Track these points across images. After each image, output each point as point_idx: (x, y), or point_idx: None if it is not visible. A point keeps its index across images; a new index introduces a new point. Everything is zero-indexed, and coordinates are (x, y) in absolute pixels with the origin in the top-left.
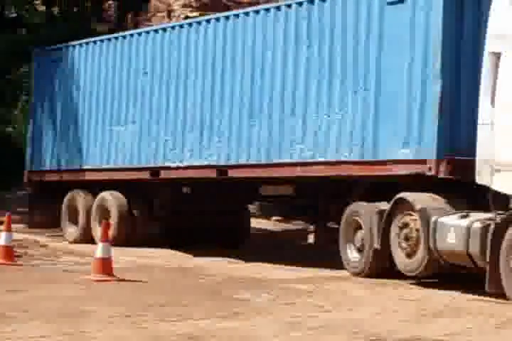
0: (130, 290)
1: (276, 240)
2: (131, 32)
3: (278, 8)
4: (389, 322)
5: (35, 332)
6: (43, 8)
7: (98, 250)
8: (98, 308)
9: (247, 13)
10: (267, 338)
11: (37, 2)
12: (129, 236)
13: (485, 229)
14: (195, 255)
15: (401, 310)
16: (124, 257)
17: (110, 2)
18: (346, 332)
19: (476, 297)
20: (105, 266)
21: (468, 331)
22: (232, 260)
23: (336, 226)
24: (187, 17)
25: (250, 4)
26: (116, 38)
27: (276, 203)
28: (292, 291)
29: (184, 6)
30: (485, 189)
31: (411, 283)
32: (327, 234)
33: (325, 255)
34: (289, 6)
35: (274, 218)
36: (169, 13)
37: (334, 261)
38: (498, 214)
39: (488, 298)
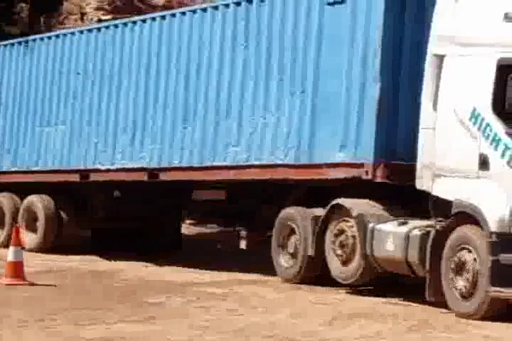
0: (42, 294)
1: (197, 243)
2: (64, 32)
3: (215, 7)
4: (303, 325)
5: None
6: None
7: (9, 254)
8: (10, 312)
9: (183, 13)
10: None
11: None
12: (56, 240)
13: (424, 236)
14: (113, 258)
15: (316, 313)
16: (39, 261)
17: (22, 5)
18: (260, 336)
19: (390, 301)
20: (16, 269)
21: (381, 333)
22: (148, 264)
23: (268, 232)
24: (100, 20)
25: (165, 8)
26: (49, 38)
27: (209, 208)
28: (206, 295)
29: (97, 8)
30: (424, 195)
31: (334, 288)
32: (259, 240)
33: (255, 260)
34: (226, 5)
35: (188, 221)
36: (82, 15)
37: (260, 266)
38: (438, 221)
39: (402, 302)
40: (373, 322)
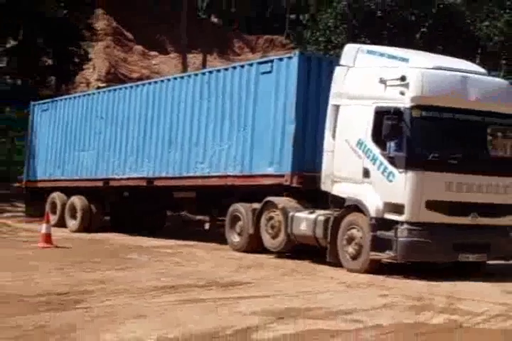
0: (62, 253)
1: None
2: (92, 91)
3: (189, 76)
4: (220, 272)
5: (2, 277)
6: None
7: (42, 229)
8: (42, 264)
9: (168, 79)
10: (146, 282)
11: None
12: (88, 225)
13: (327, 220)
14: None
15: (227, 264)
16: (62, 233)
17: (51, 77)
18: (195, 278)
19: (273, 256)
20: (47, 238)
21: (267, 277)
22: (125, 234)
23: (223, 218)
24: (99, 87)
25: (139, 79)
26: (83, 95)
27: (184, 203)
28: (161, 253)
29: (97, 79)
30: (325, 194)
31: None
32: (217, 223)
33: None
34: (196, 74)
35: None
36: (88, 84)
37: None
38: (335, 210)
39: (280, 258)
40: (262, 270)
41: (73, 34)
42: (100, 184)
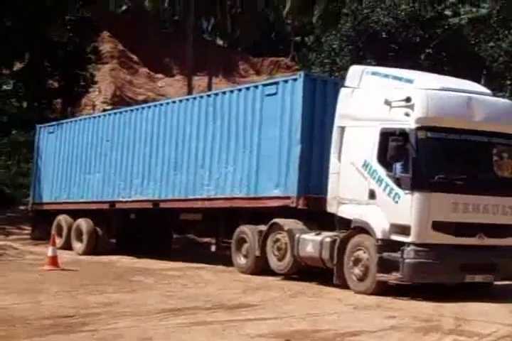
0: (69, 275)
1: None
2: (98, 114)
3: (194, 98)
4: (226, 294)
5: (9, 300)
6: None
7: (49, 251)
8: (48, 287)
9: (174, 101)
10: (152, 304)
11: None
12: (95, 247)
13: (333, 242)
14: (114, 254)
15: (234, 286)
16: (68, 255)
17: (57, 100)
18: (202, 300)
19: (280, 278)
20: (53, 261)
21: (274, 298)
22: (131, 257)
23: (230, 240)
24: (104, 110)
25: (144, 101)
26: (89, 118)
27: (191, 225)
28: (168, 275)
29: (103, 102)
30: (331, 216)
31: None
32: (223, 245)
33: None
34: (201, 96)
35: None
36: (93, 106)
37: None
38: (342, 232)
39: (287, 280)
40: (270, 292)
41: (79, 57)
42: (106, 206)
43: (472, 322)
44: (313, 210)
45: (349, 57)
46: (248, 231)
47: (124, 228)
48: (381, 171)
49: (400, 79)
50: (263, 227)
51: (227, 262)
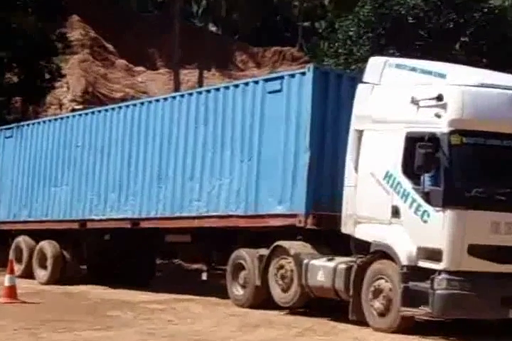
0: (30, 309)
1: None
2: (67, 114)
3: (182, 95)
4: (220, 332)
5: None
6: None
7: (5, 280)
8: (5, 323)
9: (157, 100)
10: None
11: None
12: (61, 276)
13: (348, 269)
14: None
15: (229, 323)
16: (28, 285)
17: (17, 98)
18: (191, 340)
19: (284, 313)
20: (10, 291)
21: (277, 338)
22: (105, 287)
23: (224, 267)
24: (73, 109)
25: (122, 100)
26: (55, 119)
27: (178, 248)
28: (150, 310)
29: (72, 100)
30: (346, 237)
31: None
32: (217, 273)
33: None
34: (190, 94)
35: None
36: (60, 106)
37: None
38: (359, 257)
39: (293, 314)
40: (272, 329)
41: (42, 46)
42: (76, 226)
43: None
44: (325, 231)
45: (368, 47)
46: (246, 255)
47: (97, 252)
48: (407, 184)
49: (429, 73)
50: (264, 251)
51: (221, 293)
